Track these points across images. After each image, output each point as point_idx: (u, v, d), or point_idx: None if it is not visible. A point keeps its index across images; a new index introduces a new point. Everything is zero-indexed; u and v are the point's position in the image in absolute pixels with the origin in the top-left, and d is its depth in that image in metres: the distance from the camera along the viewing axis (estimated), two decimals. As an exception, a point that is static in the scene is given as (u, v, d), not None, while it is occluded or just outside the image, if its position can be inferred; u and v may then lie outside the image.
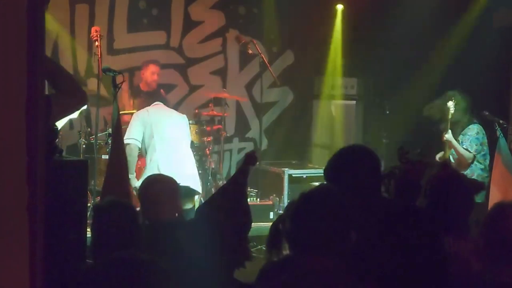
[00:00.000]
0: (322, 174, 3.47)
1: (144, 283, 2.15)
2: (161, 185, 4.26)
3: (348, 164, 3.33)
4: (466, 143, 6.72)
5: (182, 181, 5.12)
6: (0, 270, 1.82)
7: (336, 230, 2.53)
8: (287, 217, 2.71)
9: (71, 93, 3.30)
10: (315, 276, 2.40)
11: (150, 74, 8.16)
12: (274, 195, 8.26)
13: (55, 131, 3.91)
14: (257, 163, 5.63)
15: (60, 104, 3.24)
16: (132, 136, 6.75)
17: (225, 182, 7.48)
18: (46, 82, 3.29)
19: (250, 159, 3.58)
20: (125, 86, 7.05)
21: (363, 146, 3.64)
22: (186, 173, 6.75)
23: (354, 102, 9.56)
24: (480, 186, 3.37)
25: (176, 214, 4.23)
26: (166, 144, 6.81)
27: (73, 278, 3.15)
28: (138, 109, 7.14)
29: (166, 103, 7.26)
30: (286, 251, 3.28)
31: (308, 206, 2.63)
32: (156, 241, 3.82)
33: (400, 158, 3.53)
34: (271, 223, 2.81)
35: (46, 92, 3.07)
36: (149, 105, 7.08)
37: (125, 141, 6.12)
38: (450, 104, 6.71)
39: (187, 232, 3.43)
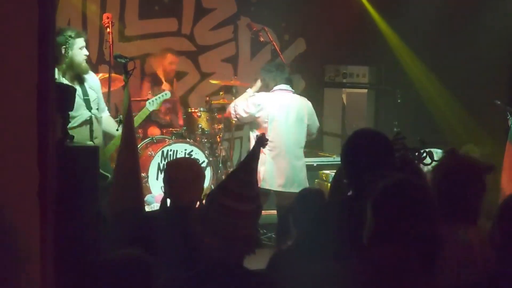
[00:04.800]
0: (333, 162, 3.50)
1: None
2: (188, 169, 4.20)
3: (363, 144, 3.35)
4: None
5: None
6: (12, 255, 1.83)
7: (417, 223, 2.49)
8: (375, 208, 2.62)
9: None
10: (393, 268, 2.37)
11: (169, 64, 8.47)
12: (285, 182, 8.23)
13: (66, 117, 3.93)
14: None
15: None
16: None
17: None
18: None
19: (261, 141, 3.66)
20: (136, 73, 7.08)
21: (373, 128, 3.66)
22: None
23: (365, 90, 9.52)
24: (490, 168, 3.30)
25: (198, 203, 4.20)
26: None
27: (84, 265, 3.17)
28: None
29: None
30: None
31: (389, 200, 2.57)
32: (174, 224, 3.83)
33: (394, 141, 3.52)
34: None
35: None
36: None
37: None
38: None
39: (197, 218, 3.44)
